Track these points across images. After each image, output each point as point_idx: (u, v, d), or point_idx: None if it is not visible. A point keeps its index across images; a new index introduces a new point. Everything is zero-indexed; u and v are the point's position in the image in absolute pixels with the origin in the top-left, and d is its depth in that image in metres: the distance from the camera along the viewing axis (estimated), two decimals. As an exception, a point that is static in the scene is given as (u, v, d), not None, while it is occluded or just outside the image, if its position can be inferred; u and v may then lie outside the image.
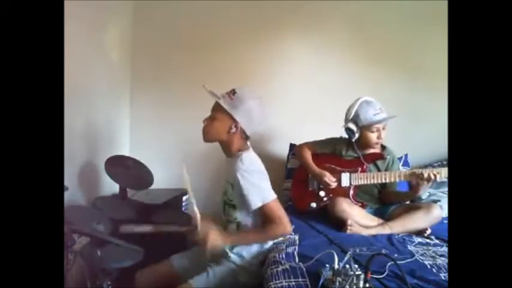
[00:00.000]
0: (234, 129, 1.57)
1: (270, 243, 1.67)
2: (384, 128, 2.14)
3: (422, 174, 1.94)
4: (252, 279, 1.58)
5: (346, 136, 2.21)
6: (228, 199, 1.64)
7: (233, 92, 1.58)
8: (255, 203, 1.52)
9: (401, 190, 2.19)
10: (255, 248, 1.63)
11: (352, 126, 2.14)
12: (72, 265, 1.42)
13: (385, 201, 2.21)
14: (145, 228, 1.60)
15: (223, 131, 1.59)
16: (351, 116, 2.13)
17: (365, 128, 2.12)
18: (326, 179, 2.11)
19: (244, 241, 1.60)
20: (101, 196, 2.35)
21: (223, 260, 1.60)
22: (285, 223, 1.55)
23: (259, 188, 1.54)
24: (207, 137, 1.62)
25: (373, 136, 2.13)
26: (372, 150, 2.20)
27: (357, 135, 2.15)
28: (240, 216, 1.61)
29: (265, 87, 2.68)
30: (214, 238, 1.51)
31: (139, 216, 1.99)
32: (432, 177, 1.91)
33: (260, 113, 1.61)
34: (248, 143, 1.66)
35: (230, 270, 1.58)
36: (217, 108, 1.60)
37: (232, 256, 1.59)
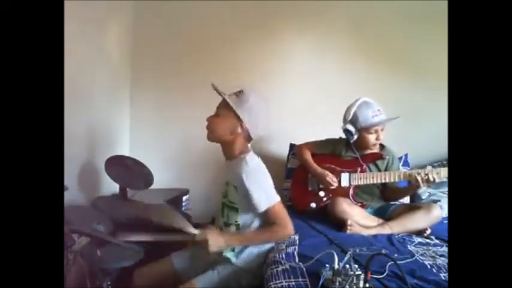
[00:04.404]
0: (239, 130, 1.55)
1: (269, 244, 1.67)
2: (382, 129, 2.13)
3: (421, 175, 1.94)
4: (255, 280, 1.58)
5: (345, 137, 2.22)
6: (229, 201, 1.62)
7: (240, 91, 1.57)
8: (262, 205, 1.50)
9: (402, 185, 2.19)
10: (256, 250, 1.62)
11: (350, 127, 2.13)
12: (72, 265, 1.42)
13: (387, 198, 2.21)
14: (144, 237, 1.60)
15: (227, 130, 1.56)
16: (350, 117, 2.13)
17: (363, 130, 2.12)
18: (328, 179, 2.11)
19: (247, 242, 1.59)
20: (101, 196, 2.35)
21: (226, 262, 1.59)
22: (289, 226, 1.54)
23: (264, 191, 1.52)
24: (211, 135, 1.59)
25: (371, 137, 2.13)
26: (370, 151, 2.19)
27: (355, 137, 2.15)
28: (241, 219, 1.60)
29: (265, 87, 2.69)
30: (216, 239, 1.51)
31: (140, 216, 1.99)
32: (431, 179, 1.92)
33: (266, 116, 1.60)
34: (249, 145, 1.64)
35: (233, 273, 1.57)
36: (222, 105, 1.58)
37: (235, 259, 1.59)
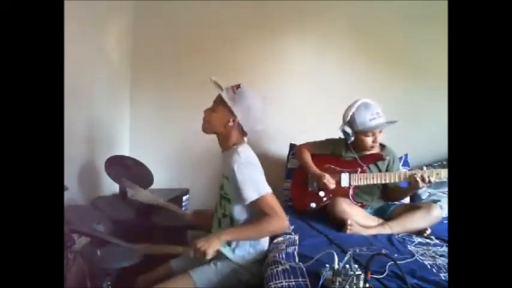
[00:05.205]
0: (231, 123, 1.59)
1: (265, 240, 1.67)
2: (380, 132, 2.12)
3: (422, 176, 1.95)
4: (253, 278, 1.58)
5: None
6: (225, 193, 1.63)
7: (237, 86, 1.60)
8: (250, 195, 1.50)
9: (402, 185, 2.19)
10: (256, 248, 1.62)
11: (347, 129, 2.13)
12: (72, 265, 1.42)
13: (388, 198, 2.21)
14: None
15: (220, 123, 1.61)
16: (347, 118, 2.12)
17: (360, 132, 2.12)
18: (325, 181, 2.11)
19: (239, 236, 1.56)
20: (101, 196, 2.35)
21: (223, 258, 1.58)
22: (281, 216, 1.52)
23: (254, 181, 1.53)
24: (206, 127, 1.65)
25: (368, 140, 2.12)
26: (370, 151, 2.19)
27: (352, 138, 2.15)
28: (235, 210, 1.59)
29: (265, 87, 2.68)
30: (208, 244, 1.46)
31: (140, 216, 1.99)
32: (432, 180, 1.93)
33: (260, 111, 1.63)
34: (245, 139, 1.67)
35: (232, 269, 1.58)
36: (218, 100, 1.63)
37: (234, 256, 1.59)
